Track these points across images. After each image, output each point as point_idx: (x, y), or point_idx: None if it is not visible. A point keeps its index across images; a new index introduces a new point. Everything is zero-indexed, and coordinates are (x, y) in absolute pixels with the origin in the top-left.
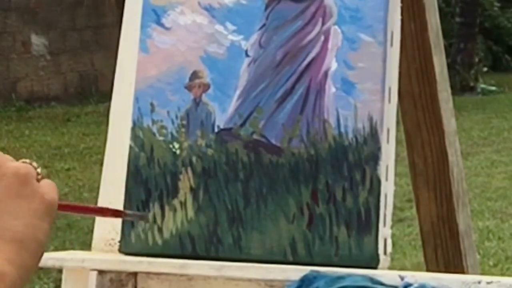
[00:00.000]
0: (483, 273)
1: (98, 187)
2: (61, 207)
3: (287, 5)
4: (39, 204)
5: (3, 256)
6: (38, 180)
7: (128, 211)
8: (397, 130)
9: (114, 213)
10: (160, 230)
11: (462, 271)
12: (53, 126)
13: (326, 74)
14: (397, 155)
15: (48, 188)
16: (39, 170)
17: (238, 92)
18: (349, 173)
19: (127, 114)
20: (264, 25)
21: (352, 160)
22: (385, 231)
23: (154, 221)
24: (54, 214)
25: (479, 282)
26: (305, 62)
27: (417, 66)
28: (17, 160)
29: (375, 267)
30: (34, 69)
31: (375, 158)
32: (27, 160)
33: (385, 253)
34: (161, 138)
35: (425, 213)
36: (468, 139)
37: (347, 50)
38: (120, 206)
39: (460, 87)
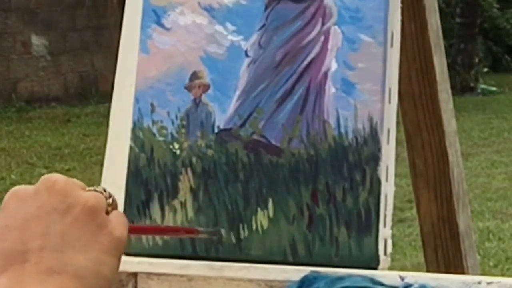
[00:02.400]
0: (483, 274)
1: None
2: (132, 230)
3: (286, 5)
4: (106, 238)
5: None
6: (108, 212)
7: (200, 229)
8: (397, 131)
9: (187, 231)
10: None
11: (462, 272)
12: (53, 127)
13: (326, 74)
14: (397, 155)
15: (117, 222)
16: (111, 200)
17: (238, 93)
18: (349, 174)
19: (127, 114)
20: (264, 25)
21: (352, 161)
22: (385, 231)
23: (154, 221)
24: (123, 250)
25: (479, 283)
26: (305, 63)
27: (417, 67)
28: (19, 161)
29: (375, 268)
30: (34, 70)
31: (375, 158)
32: (99, 188)
33: (385, 253)
34: (161, 138)
35: (425, 213)
36: (468, 139)
37: (347, 50)
38: (120, 207)
39: (460, 88)
